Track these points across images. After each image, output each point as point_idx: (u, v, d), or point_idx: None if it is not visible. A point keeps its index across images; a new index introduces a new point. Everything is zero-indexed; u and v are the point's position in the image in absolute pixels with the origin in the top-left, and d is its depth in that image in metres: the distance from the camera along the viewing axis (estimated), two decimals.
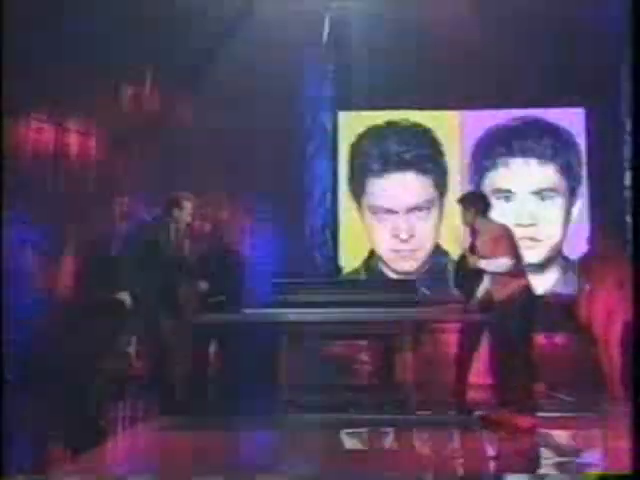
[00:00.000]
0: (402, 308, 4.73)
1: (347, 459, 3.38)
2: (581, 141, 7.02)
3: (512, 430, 3.77)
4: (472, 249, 4.24)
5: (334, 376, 5.67)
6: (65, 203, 5.31)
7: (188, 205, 4.27)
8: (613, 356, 5.46)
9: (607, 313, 5.49)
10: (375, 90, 6.70)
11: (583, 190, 7.00)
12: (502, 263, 3.98)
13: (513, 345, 3.93)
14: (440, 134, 7.10)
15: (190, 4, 5.71)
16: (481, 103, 6.87)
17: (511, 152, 7.03)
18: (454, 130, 7.12)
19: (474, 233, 4.31)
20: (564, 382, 5.45)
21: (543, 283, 6.91)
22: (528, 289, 4.06)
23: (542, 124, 7.04)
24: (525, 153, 7.01)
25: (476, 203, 4.28)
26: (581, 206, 7.01)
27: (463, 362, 4.99)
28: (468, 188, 7.03)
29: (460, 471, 3.21)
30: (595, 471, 3.08)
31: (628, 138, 6.70)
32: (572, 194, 7.00)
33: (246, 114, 6.22)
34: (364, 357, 6.14)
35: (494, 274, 4.10)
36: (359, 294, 4.97)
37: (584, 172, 7.01)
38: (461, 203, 4.36)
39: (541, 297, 6.75)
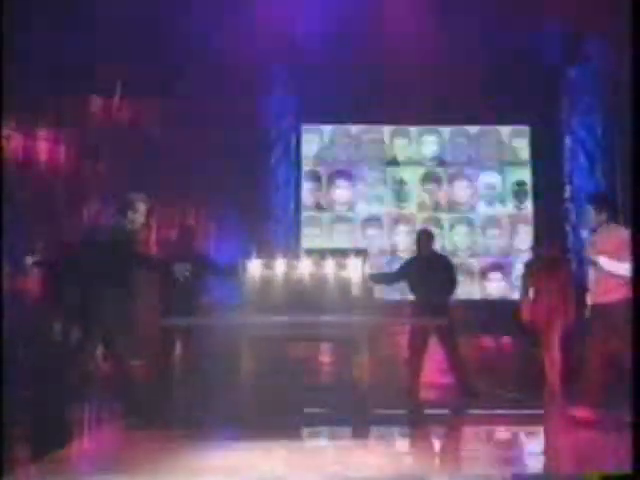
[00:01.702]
0: (360, 311, 4.97)
1: (307, 457, 3.48)
2: (526, 156, 7.49)
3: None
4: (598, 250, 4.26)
5: (294, 377, 5.84)
6: (34, 209, 5.36)
7: (142, 207, 4.29)
8: (554, 355, 5.84)
9: (550, 315, 5.87)
10: (338, 105, 7.00)
11: (528, 201, 7.46)
12: (624, 267, 4.00)
13: (598, 346, 4.08)
14: (396, 146, 7.47)
15: (159, 19, 5.85)
16: (436, 120, 7.25)
17: (463, 165, 7.45)
18: (411, 145, 7.49)
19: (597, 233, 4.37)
20: (510, 380, 5.75)
21: (490, 287, 7.36)
22: (628, 299, 4.03)
23: (492, 140, 7.49)
24: (476, 167, 7.44)
25: (609, 204, 4.34)
26: (527, 215, 7.46)
27: (414, 363, 5.28)
28: (425, 200, 7.42)
29: (418, 468, 3.27)
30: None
31: (568, 154, 7.22)
32: (518, 204, 7.46)
33: (213, 126, 6.40)
34: (324, 359, 6.36)
35: (600, 278, 4.21)
36: (318, 297, 5.18)
37: (529, 184, 7.48)
38: (592, 203, 4.38)
39: (490, 301, 7.22)
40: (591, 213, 4.37)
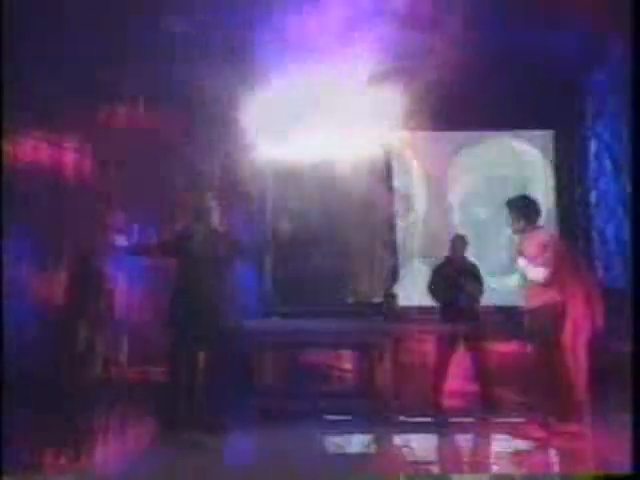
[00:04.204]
0: (382, 318, 4.99)
1: (330, 463, 3.49)
2: (549, 161, 7.42)
3: (527, 439, 3.78)
4: (518, 252, 4.05)
5: (316, 384, 5.84)
6: (57, 217, 5.46)
7: (213, 204, 4.34)
8: (579, 362, 5.76)
9: (573, 322, 5.80)
10: None
11: (551, 206, 7.37)
12: (542, 274, 3.87)
13: (535, 354, 3.95)
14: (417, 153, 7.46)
15: (165, 20, 5.86)
16: (457, 124, 7.20)
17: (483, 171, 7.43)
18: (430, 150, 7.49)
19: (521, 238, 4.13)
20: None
21: (513, 295, 7.27)
22: (559, 304, 3.98)
23: (513, 145, 7.44)
24: (496, 172, 7.40)
25: (525, 210, 4.07)
26: (549, 221, 7.37)
27: (439, 370, 5.25)
28: (442, 204, 7.39)
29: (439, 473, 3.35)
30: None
31: (592, 158, 7.13)
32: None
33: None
34: (347, 365, 6.35)
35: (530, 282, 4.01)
36: (340, 305, 5.22)
37: (552, 190, 7.40)
38: (509, 210, 4.13)
39: (513, 308, 7.14)
40: (509, 220, 4.15)
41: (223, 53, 5.77)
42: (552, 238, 4.06)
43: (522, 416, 3.90)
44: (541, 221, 4.15)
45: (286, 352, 5.01)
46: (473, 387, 5.32)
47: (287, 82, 5.60)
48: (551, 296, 3.94)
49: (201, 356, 4.97)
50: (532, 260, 3.93)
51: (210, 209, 4.30)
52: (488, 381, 5.17)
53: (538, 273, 3.90)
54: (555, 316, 3.95)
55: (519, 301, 7.08)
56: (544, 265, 3.88)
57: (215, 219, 4.32)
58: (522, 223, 4.05)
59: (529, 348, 4.12)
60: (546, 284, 3.90)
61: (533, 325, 3.96)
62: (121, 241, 4.38)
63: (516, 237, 4.17)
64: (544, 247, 3.92)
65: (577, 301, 5.72)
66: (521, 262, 3.99)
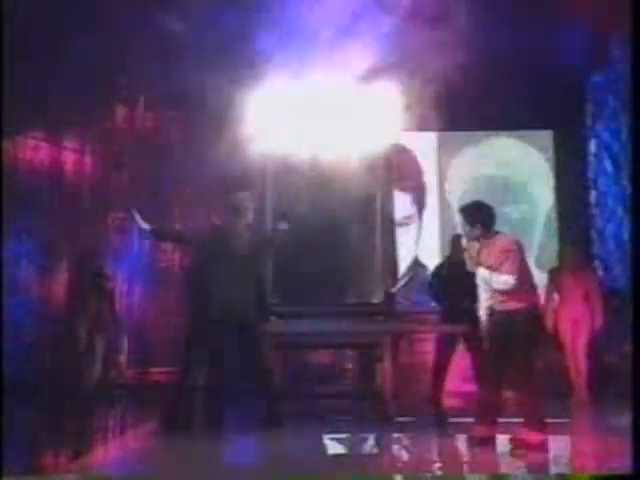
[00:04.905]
0: (382, 319, 4.99)
1: (330, 463, 3.50)
2: (549, 161, 7.43)
3: (521, 446, 3.65)
4: (478, 262, 3.88)
5: (316, 384, 5.85)
6: (59, 217, 5.49)
7: (251, 204, 4.38)
8: (579, 363, 5.78)
9: (574, 323, 5.82)
10: None
11: (552, 207, 7.38)
12: (505, 281, 3.71)
13: (510, 358, 3.77)
14: (420, 153, 7.45)
15: (176, 29, 5.89)
16: (457, 125, 7.20)
17: (484, 171, 7.42)
18: (432, 150, 7.48)
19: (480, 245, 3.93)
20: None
21: None
22: (532, 306, 3.82)
23: (513, 145, 7.44)
24: (497, 171, 7.39)
25: (481, 217, 3.89)
26: (550, 222, 7.38)
27: (440, 370, 5.26)
28: (445, 204, 7.38)
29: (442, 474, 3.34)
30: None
31: (592, 159, 7.14)
32: (541, 211, 7.39)
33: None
34: (347, 365, 6.36)
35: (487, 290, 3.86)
36: (342, 306, 5.22)
37: (552, 190, 7.40)
38: (464, 217, 3.96)
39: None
40: (465, 227, 3.96)
41: (222, 52, 5.77)
42: (513, 242, 3.88)
43: (521, 416, 3.88)
44: (496, 227, 3.93)
45: (285, 353, 5.01)
46: (473, 387, 5.33)
47: (287, 80, 5.60)
48: (514, 304, 3.78)
49: (214, 356, 4.98)
50: (496, 268, 3.76)
51: (247, 209, 4.32)
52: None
53: (503, 282, 3.72)
54: (534, 319, 3.85)
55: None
56: (509, 273, 3.72)
57: (250, 218, 4.34)
58: (478, 230, 3.87)
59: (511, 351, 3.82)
60: (514, 291, 3.74)
61: (512, 328, 3.77)
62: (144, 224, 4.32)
63: (472, 245, 3.98)
64: (506, 253, 3.76)
65: (575, 301, 5.79)
66: (482, 272, 3.83)
